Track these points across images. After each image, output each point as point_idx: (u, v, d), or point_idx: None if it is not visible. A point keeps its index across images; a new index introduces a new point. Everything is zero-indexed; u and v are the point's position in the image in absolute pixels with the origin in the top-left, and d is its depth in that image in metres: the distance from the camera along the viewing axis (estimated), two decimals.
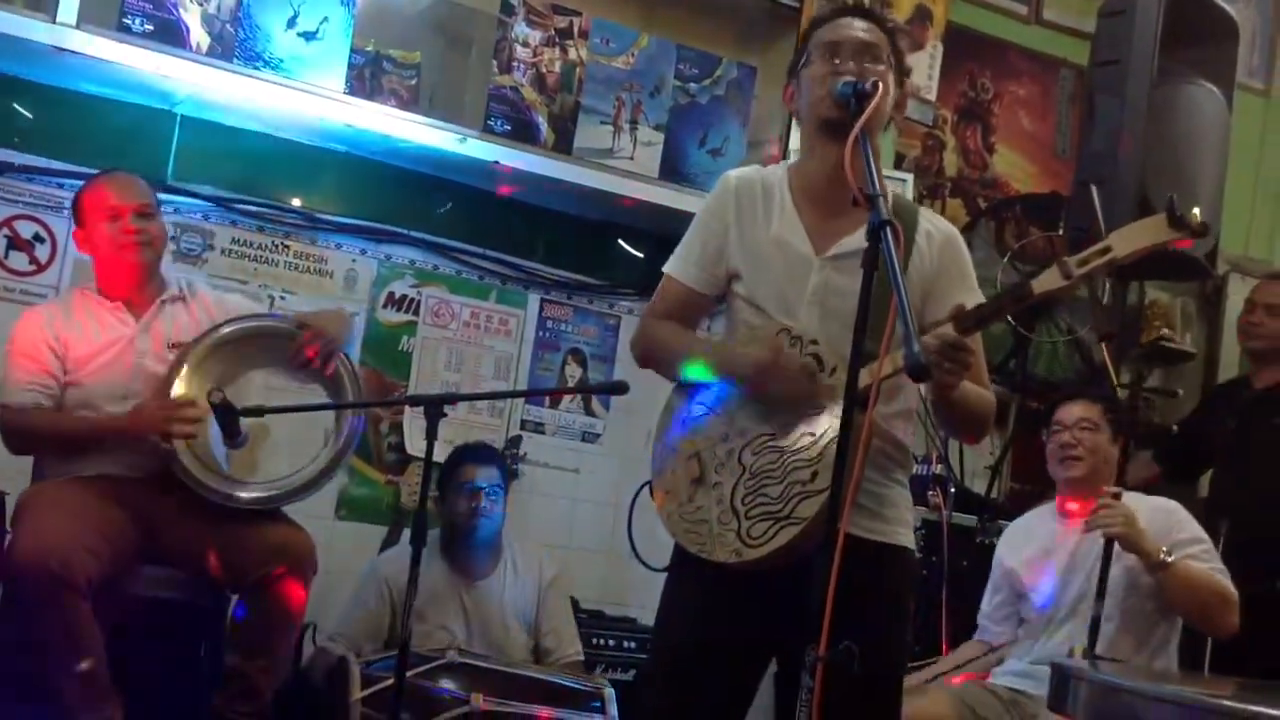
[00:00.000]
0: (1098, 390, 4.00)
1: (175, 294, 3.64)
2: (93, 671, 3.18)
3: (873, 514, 2.45)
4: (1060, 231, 5.01)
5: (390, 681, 3.39)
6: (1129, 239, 2.28)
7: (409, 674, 3.15)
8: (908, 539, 2.54)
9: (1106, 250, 2.28)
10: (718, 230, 2.56)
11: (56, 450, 3.46)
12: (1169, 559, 3.35)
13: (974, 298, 2.48)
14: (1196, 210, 2.28)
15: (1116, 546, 3.37)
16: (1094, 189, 4.35)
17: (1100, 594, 3.32)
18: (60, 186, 4.07)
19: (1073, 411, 3.71)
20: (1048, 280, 2.32)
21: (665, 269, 2.62)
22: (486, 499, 3.98)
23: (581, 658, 4.08)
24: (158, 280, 3.65)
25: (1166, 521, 3.52)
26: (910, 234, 2.51)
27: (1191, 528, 3.54)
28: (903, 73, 2.56)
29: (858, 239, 2.41)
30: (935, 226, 2.58)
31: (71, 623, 3.13)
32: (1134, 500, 3.55)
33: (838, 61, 2.45)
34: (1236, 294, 5.84)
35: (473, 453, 4.10)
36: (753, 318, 2.52)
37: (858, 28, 2.51)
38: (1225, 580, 3.43)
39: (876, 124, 2.46)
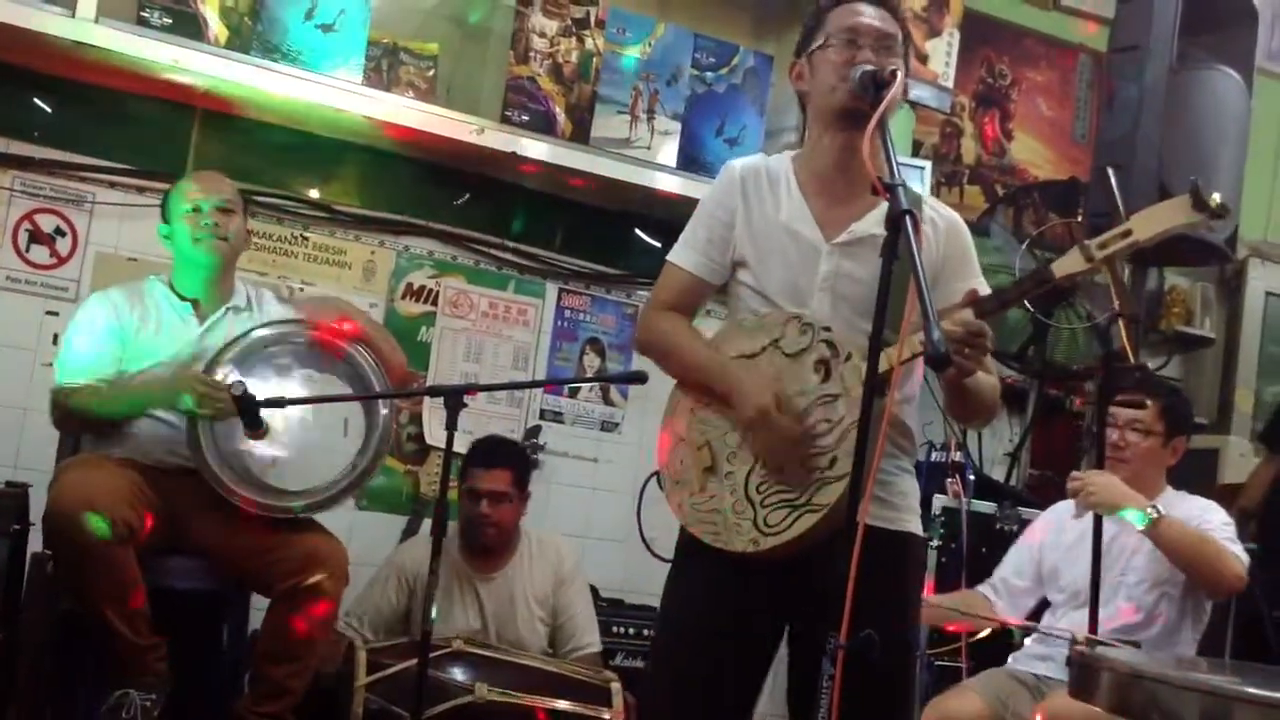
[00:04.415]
0: (1156, 385, 3.87)
1: (242, 304, 3.65)
2: (143, 612, 3.23)
3: (884, 502, 2.43)
4: (1079, 218, 4.99)
5: (397, 669, 3.42)
6: (1150, 221, 2.26)
7: (415, 661, 3.15)
8: (918, 526, 2.54)
9: (1128, 233, 2.25)
10: (723, 218, 2.53)
11: (103, 415, 3.43)
12: (1158, 515, 3.35)
13: (978, 282, 2.48)
14: (1216, 195, 2.26)
15: (1107, 525, 3.36)
16: (1111, 173, 4.33)
17: (1095, 572, 3.30)
18: (81, 180, 4.10)
19: (1126, 410, 3.61)
20: (1069, 263, 2.30)
21: (669, 258, 2.60)
22: (493, 507, 3.92)
23: (599, 649, 4.05)
24: (229, 284, 3.65)
25: (1202, 516, 3.52)
26: None
27: (1220, 516, 3.54)
28: (909, 62, 2.55)
29: (867, 224, 2.42)
30: (939, 214, 2.56)
31: (117, 566, 3.17)
32: (1178, 499, 3.57)
33: (858, 51, 2.42)
34: (1256, 279, 5.83)
35: (486, 455, 4.01)
36: (760, 306, 2.50)
37: (875, 15, 2.48)
38: (1224, 540, 3.43)
39: (891, 113, 2.45)
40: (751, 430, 2.38)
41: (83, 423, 3.49)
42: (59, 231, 4.09)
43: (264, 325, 3.55)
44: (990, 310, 2.31)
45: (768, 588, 2.40)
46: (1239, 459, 5.47)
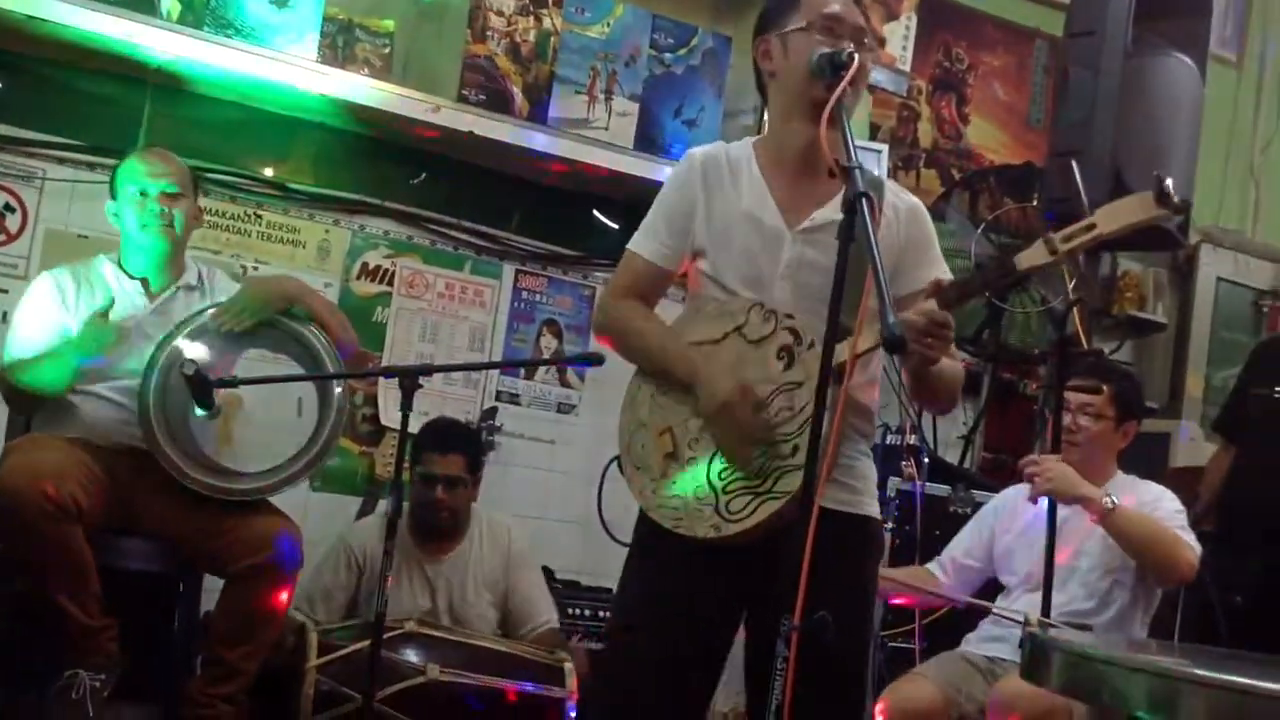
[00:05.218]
0: (1108, 369, 3.90)
1: (193, 282, 3.62)
2: (94, 592, 3.21)
3: (844, 485, 2.45)
4: (1034, 202, 5.02)
5: (349, 650, 3.42)
6: (1114, 216, 2.27)
7: (367, 643, 3.14)
8: (875, 509, 2.56)
9: (1091, 227, 2.27)
10: (683, 208, 2.52)
11: (44, 382, 3.39)
12: (1112, 505, 3.38)
13: (940, 269, 2.48)
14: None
15: (1061, 510, 3.38)
16: (1074, 164, 4.37)
17: (1049, 556, 3.32)
18: (31, 157, 4.04)
19: (1078, 394, 3.62)
20: (1033, 255, 2.31)
21: (629, 246, 2.58)
22: (447, 492, 3.89)
23: (557, 625, 4.05)
24: (179, 263, 3.62)
25: (1155, 503, 3.54)
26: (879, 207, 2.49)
27: (1173, 504, 3.57)
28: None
29: (830, 211, 2.41)
30: (901, 199, 2.56)
31: (68, 546, 3.15)
32: (1129, 484, 3.59)
33: (839, 41, 2.39)
34: (1208, 264, 5.88)
35: (438, 438, 3.97)
36: (718, 294, 2.49)
37: (853, 8, 2.47)
38: (1178, 529, 3.46)
39: (854, 101, 2.45)
40: (713, 422, 2.38)
41: (29, 398, 3.45)
42: (8, 208, 4.04)
43: (216, 305, 3.52)
44: (953, 301, 2.32)
45: (728, 573, 2.41)
46: (1189, 443, 5.52)
